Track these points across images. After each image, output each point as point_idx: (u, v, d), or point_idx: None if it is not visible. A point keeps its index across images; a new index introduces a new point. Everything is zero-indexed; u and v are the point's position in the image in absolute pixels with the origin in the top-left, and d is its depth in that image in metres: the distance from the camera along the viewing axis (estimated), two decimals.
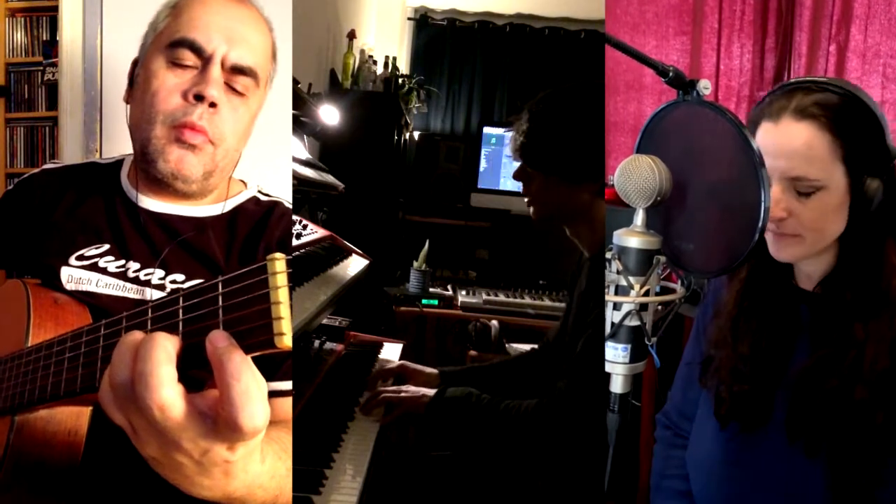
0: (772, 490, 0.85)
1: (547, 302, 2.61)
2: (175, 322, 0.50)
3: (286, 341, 0.44)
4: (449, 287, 2.70)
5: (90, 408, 0.72)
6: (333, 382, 1.34)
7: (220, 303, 0.47)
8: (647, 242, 0.66)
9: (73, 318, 0.82)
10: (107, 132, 1.63)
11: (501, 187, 3.62)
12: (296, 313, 0.98)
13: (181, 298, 0.50)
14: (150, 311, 0.52)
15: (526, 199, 1.26)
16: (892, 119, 1.81)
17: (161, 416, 0.46)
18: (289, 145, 1.51)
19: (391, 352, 1.62)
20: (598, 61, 3.31)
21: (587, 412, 1.05)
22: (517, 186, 1.30)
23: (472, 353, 2.17)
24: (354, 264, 1.57)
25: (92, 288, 0.88)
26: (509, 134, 1.27)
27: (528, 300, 2.60)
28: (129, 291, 0.88)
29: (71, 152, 1.65)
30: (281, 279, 0.45)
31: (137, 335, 0.49)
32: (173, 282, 0.89)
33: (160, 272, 0.89)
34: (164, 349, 0.46)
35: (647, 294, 0.65)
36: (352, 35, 2.92)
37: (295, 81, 1.65)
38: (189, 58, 0.87)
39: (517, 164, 1.26)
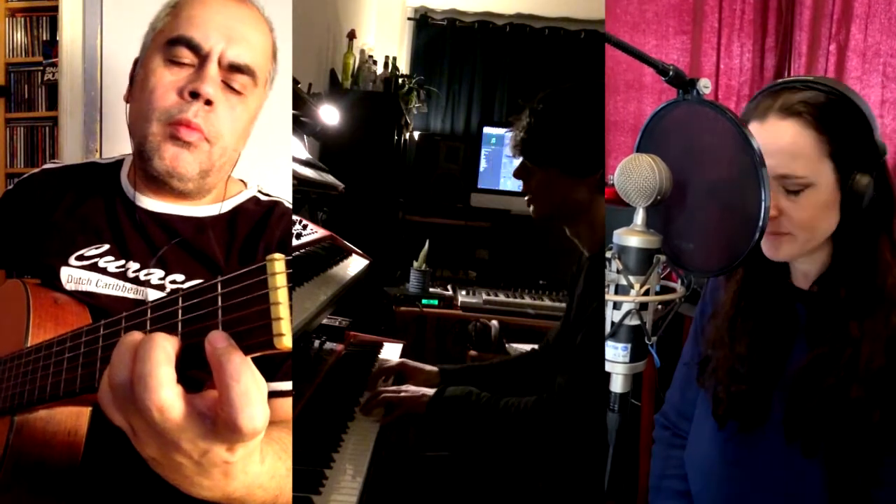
0: (770, 490, 0.85)
1: (547, 302, 2.61)
2: (174, 322, 0.49)
3: (286, 342, 0.44)
4: (449, 287, 2.70)
5: (90, 408, 0.71)
6: (333, 382, 1.34)
7: (220, 303, 0.47)
8: (647, 241, 0.66)
9: (72, 318, 0.82)
10: (107, 132, 1.63)
11: (501, 187, 3.62)
12: (296, 313, 0.98)
13: (180, 299, 0.50)
14: (149, 311, 0.52)
15: (526, 198, 1.27)
16: (892, 118, 1.82)
17: (160, 416, 0.46)
18: (289, 145, 1.51)
19: (391, 352, 1.62)
20: (598, 61, 3.31)
21: (586, 408, 1.05)
22: (517, 186, 1.30)
23: (472, 353, 2.17)
24: (354, 264, 1.57)
25: (92, 288, 0.87)
26: (510, 134, 1.27)
27: (528, 300, 2.60)
28: (129, 291, 0.88)
29: (71, 152, 1.65)
30: (280, 279, 0.44)
31: (137, 336, 0.48)
32: (173, 282, 0.89)
33: (160, 272, 0.89)
34: (164, 350, 0.46)
35: (647, 293, 0.65)
36: (352, 35, 2.92)
37: (295, 81, 1.65)
38: (186, 55, 0.87)
39: (517, 163, 1.27)
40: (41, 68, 2.55)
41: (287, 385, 0.86)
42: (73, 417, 0.71)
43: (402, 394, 1.23)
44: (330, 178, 2.00)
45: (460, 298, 2.55)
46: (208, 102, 0.86)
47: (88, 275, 0.88)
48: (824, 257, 0.84)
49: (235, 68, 0.88)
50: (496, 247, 3.52)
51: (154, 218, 0.92)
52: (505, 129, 3.55)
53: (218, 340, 0.46)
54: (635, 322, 0.66)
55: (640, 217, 0.67)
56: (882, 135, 1.87)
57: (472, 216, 3.58)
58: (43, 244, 0.92)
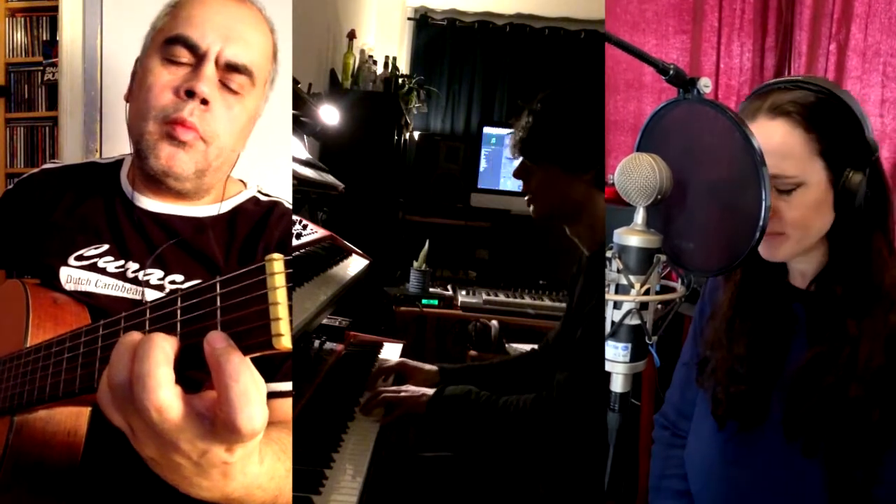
0: (770, 489, 0.85)
1: (547, 302, 2.61)
2: (173, 323, 0.49)
3: (284, 342, 0.44)
4: (449, 287, 2.70)
5: (89, 408, 0.71)
6: (333, 382, 1.34)
7: (219, 303, 0.47)
8: (647, 241, 0.65)
9: (71, 318, 0.82)
10: (107, 132, 1.63)
11: (501, 187, 3.62)
12: (296, 313, 0.98)
13: (179, 299, 0.50)
14: (148, 311, 0.52)
15: (526, 198, 1.27)
16: (893, 118, 1.81)
17: (159, 417, 0.46)
18: (289, 145, 1.51)
19: (391, 352, 1.62)
20: (598, 61, 3.31)
21: (585, 405, 1.05)
22: (517, 186, 1.31)
23: (472, 353, 2.17)
24: (354, 264, 1.57)
25: (91, 288, 0.87)
26: (510, 136, 1.28)
27: (528, 300, 2.60)
28: (128, 292, 0.88)
29: (71, 152, 1.64)
30: (279, 280, 0.44)
31: (136, 336, 0.48)
32: (172, 282, 0.89)
33: (159, 272, 0.89)
34: (162, 350, 0.46)
35: (647, 293, 0.65)
36: (352, 35, 2.92)
37: (295, 81, 1.64)
38: (184, 55, 0.87)
39: (517, 164, 1.27)
40: (41, 68, 2.55)
41: (287, 385, 0.86)
42: (73, 418, 0.71)
43: (402, 394, 1.23)
44: (330, 178, 2.00)
45: (460, 298, 2.55)
46: (204, 102, 0.86)
47: (88, 275, 0.88)
48: (821, 256, 0.84)
49: (233, 68, 0.88)
50: (496, 247, 3.52)
51: (153, 218, 0.92)
52: (505, 130, 3.58)
53: (217, 341, 0.45)
54: (635, 321, 0.65)
55: (640, 216, 0.67)
56: (882, 135, 1.88)
57: (472, 216, 3.58)
58: (42, 244, 0.92)
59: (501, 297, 2.59)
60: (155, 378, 0.45)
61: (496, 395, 1.18)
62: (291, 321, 0.45)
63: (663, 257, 0.66)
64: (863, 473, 0.78)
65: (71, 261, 0.89)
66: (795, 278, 0.88)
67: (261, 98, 0.96)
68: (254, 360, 0.47)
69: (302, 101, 1.91)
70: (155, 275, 0.89)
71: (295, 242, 1.36)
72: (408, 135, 3.46)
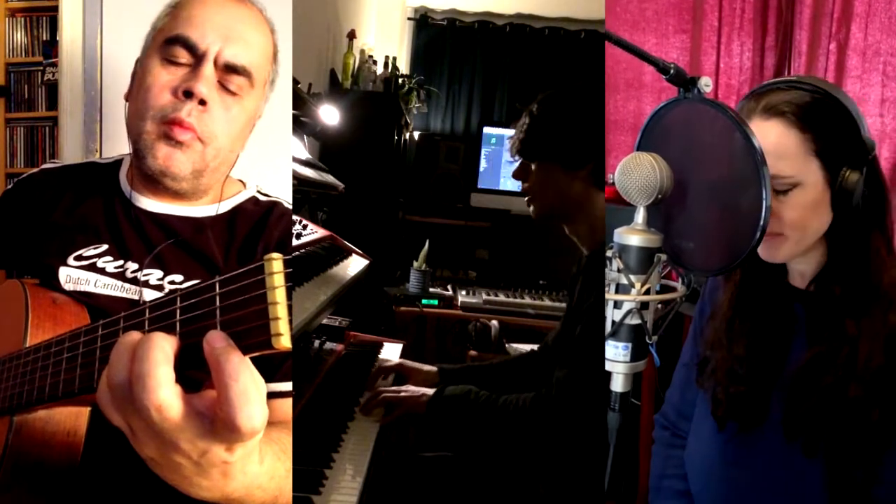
0: (770, 490, 0.85)
1: (547, 302, 2.61)
2: (172, 322, 0.49)
3: (284, 342, 0.44)
4: (449, 287, 2.70)
5: (89, 408, 0.71)
6: (333, 382, 1.33)
7: (218, 303, 0.47)
8: (647, 240, 0.65)
9: (71, 318, 0.81)
10: (107, 132, 1.63)
11: (501, 187, 3.62)
12: (296, 313, 0.98)
13: (178, 299, 0.50)
14: (147, 311, 0.52)
15: (526, 199, 1.27)
16: (893, 117, 1.81)
17: (159, 416, 0.46)
18: (289, 145, 1.51)
19: (391, 352, 1.62)
20: (598, 61, 3.31)
21: (584, 402, 1.05)
22: (517, 186, 1.32)
23: (472, 353, 2.17)
24: (354, 264, 1.57)
25: (90, 288, 0.87)
26: (510, 139, 1.29)
27: (528, 300, 2.60)
28: (128, 292, 0.88)
29: (71, 152, 1.64)
30: (278, 279, 0.44)
31: (135, 336, 0.48)
32: (172, 282, 0.88)
33: (158, 272, 0.89)
34: (162, 350, 0.46)
35: (647, 292, 0.65)
36: (352, 35, 2.91)
37: (295, 81, 1.64)
38: (183, 55, 0.87)
39: (517, 165, 1.28)
40: (41, 68, 2.55)
41: (286, 386, 0.85)
42: (73, 418, 0.71)
43: (402, 394, 1.23)
44: (330, 178, 2.00)
45: (460, 298, 2.54)
46: (202, 102, 0.86)
47: (87, 275, 0.88)
48: (820, 256, 0.84)
49: (231, 69, 0.88)
50: (496, 247, 3.52)
51: (152, 218, 0.92)
52: (505, 130, 3.58)
53: (216, 340, 0.45)
54: (636, 321, 0.65)
55: (640, 216, 0.67)
56: (882, 134, 1.87)
57: (472, 216, 3.58)
58: (42, 244, 0.91)
59: (501, 297, 2.59)
60: (155, 377, 0.45)
61: (496, 394, 1.18)
62: (291, 321, 0.45)
63: (664, 257, 0.66)
64: (863, 473, 0.78)
65: (70, 261, 0.89)
66: (795, 278, 0.88)
67: (260, 99, 0.96)
68: (253, 360, 0.47)
69: (302, 101, 1.91)
70: (154, 275, 0.89)
71: (295, 242, 1.36)
72: (408, 135, 3.46)
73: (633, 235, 0.66)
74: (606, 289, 0.66)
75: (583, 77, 1.29)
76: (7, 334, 0.80)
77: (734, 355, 0.88)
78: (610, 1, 2.20)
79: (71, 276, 0.88)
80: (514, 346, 2.07)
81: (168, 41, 0.87)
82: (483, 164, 3.64)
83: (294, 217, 1.26)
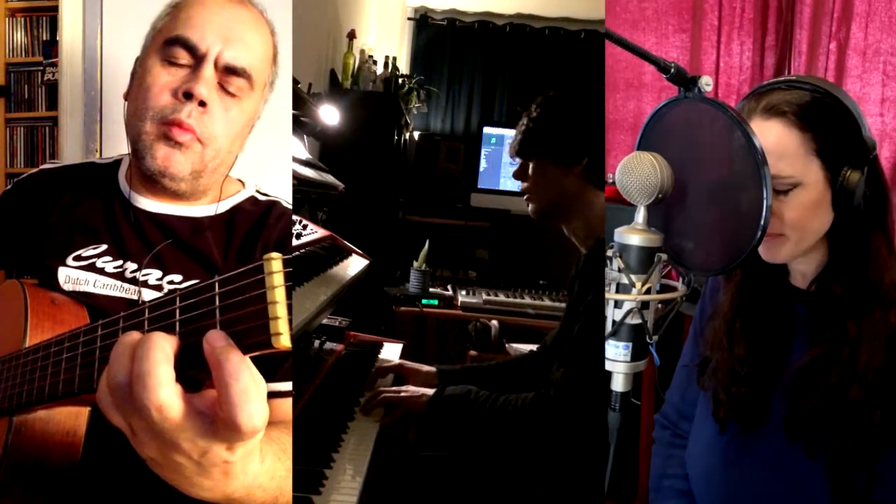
0: (771, 491, 0.85)
1: (547, 302, 2.60)
2: (172, 322, 0.49)
3: (283, 341, 0.44)
4: (449, 287, 2.70)
5: (88, 408, 0.71)
6: (333, 382, 1.33)
7: (217, 303, 0.47)
8: (648, 240, 0.65)
9: (70, 318, 0.81)
10: (107, 132, 1.63)
11: (501, 187, 3.62)
12: (296, 313, 0.97)
13: (178, 298, 0.50)
14: (146, 311, 0.52)
15: (525, 197, 1.28)
16: (893, 116, 1.81)
17: (159, 416, 0.45)
18: (289, 145, 1.51)
19: (391, 352, 1.62)
20: (598, 61, 3.31)
21: (584, 402, 1.05)
22: (517, 186, 1.33)
23: (472, 353, 2.17)
24: (354, 264, 1.57)
25: (89, 288, 0.87)
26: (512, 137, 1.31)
27: (528, 300, 2.60)
28: (127, 292, 0.88)
29: (71, 152, 1.64)
30: (277, 279, 0.44)
31: (135, 335, 0.48)
32: (171, 282, 0.88)
33: (157, 272, 0.89)
34: (162, 349, 0.46)
35: (648, 292, 0.65)
36: (352, 35, 2.91)
37: (295, 81, 1.64)
38: (183, 56, 0.87)
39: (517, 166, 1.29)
40: (41, 68, 2.55)
41: (287, 385, 0.85)
42: (72, 418, 0.71)
43: (402, 394, 1.22)
44: (330, 178, 2.00)
45: (460, 298, 2.54)
46: (202, 104, 0.86)
47: (86, 275, 0.88)
48: (821, 257, 0.84)
49: (231, 70, 0.88)
50: (496, 247, 3.52)
51: (151, 218, 0.92)
52: (505, 130, 3.58)
53: (216, 339, 0.45)
54: (636, 321, 0.65)
55: (641, 215, 0.67)
56: (882, 133, 1.87)
57: (472, 216, 3.58)
58: (41, 245, 0.91)
59: (501, 297, 2.59)
60: (155, 377, 0.45)
61: (496, 394, 1.18)
62: (291, 320, 0.45)
63: (664, 256, 0.65)
64: (863, 474, 0.78)
65: (69, 261, 0.89)
66: (796, 279, 0.88)
67: (259, 100, 0.96)
68: (253, 360, 0.47)
69: (302, 101, 1.91)
70: (153, 275, 0.89)
71: (295, 242, 1.36)
72: (408, 135, 3.46)
73: (633, 235, 0.66)
74: (607, 288, 0.66)
75: (583, 77, 1.30)
76: (6, 334, 0.80)
77: (735, 356, 0.87)
78: (610, 0, 2.20)
79: (70, 277, 0.88)
80: (514, 346, 2.07)
81: (168, 42, 0.87)
82: (483, 164, 3.64)
83: (294, 217, 1.26)
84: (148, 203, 0.93)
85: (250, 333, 0.45)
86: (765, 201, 0.64)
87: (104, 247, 0.90)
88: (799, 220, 0.79)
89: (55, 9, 1.71)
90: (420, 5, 4.12)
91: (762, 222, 0.65)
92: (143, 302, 0.54)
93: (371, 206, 2.73)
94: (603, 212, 1.22)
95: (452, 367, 1.43)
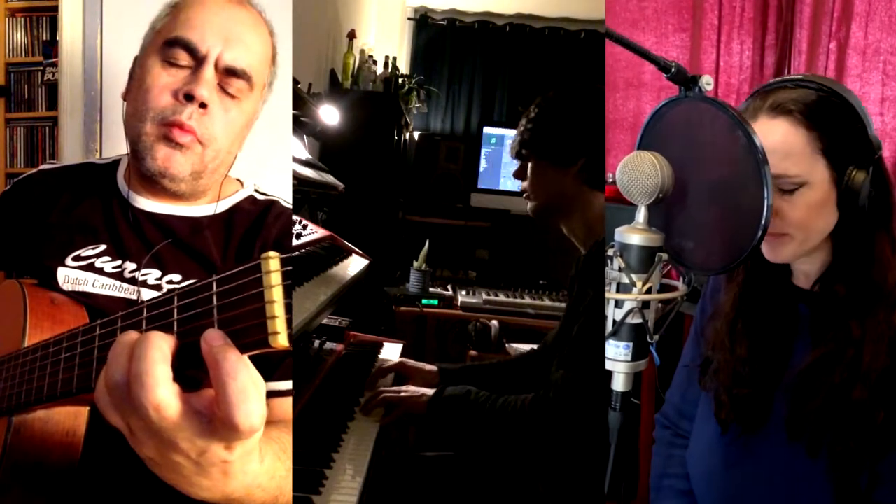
0: (773, 492, 0.84)
1: (547, 302, 2.60)
2: (170, 322, 0.49)
3: (280, 340, 0.44)
4: (449, 287, 2.70)
5: (88, 408, 0.71)
6: (333, 382, 1.33)
7: (215, 302, 0.47)
8: (649, 240, 0.65)
9: (70, 318, 0.81)
10: (107, 132, 1.63)
11: (501, 187, 3.62)
12: (296, 313, 0.97)
13: (176, 298, 0.50)
14: (145, 310, 0.52)
15: (524, 196, 1.29)
16: (893, 116, 1.81)
17: (157, 415, 0.45)
18: (289, 145, 1.50)
19: (391, 352, 1.62)
20: (598, 61, 3.31)
21: (583, 404, 1.05)
22: (517, 186, 1.34)
23: (472, 353, 2.17)
24: (354, 264, 1.57)
25: (88, 289, 0.87)
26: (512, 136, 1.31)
27: (528, 300, 2.59)
28: (126, 292, 0.88)
29: (71, 152, 1.64)
30: (275, 278, 0.44)
31: (133, 335, 0.48)
32: (170, 282, 0.88)
33: (156, 272, 0.89)
34: (160, 348, 0.46)
35: (649, 291, 0.65)
36: (352, 35, 2.91)
37: (295, 81, 1.64)
38: (183, 57, 0.87)
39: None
40: (41, 68, 2.55)
41: (286, 385, 0.85)
42: (72, 418, 0.71)
43: (402, 394, 1.22)
44: (330, 178, 2.00)
45: (460, 298, 2.54)
46: (203, 105, 0.86)
47: (85, 275, 0.88)
48: (825, 257, 0.84)
49: (231, 72, 0.88)
50: (496, 247, 3.52)
51: (150, 218, 0.92)
52: (505, 130, 3.58)
53: (214, 339, 0.45)
54: (637, 320, 0.65)
55: (641, 215, 0.66)
56: (882, 133, 1.87)
57: (472, 216, 3.58)
58: (40, 245, 0.91)
59: (501, 297, 2.59)
60: (152, 376, 0.45)
61: (496, 395, 1.18)
62: (290, 319, 0.44)
63: (665, 256, 0.65)
64: (866, 475, 0.78)
65: (68, 261, 0.89)
66: (799, 279, 0.87)
67: (258, 101, 0.96)
68: (253, 359, 0.46)
69: (302, 101, 1.91)
70: (152, 275, 0.88)
71: (295, 242, 1.36)
72: (408, 135, 3.46)
73: (634, 234, 0.65)
74: (607, 288, 0.66)
75: (583, 77, 1.30)
76: (6, 335, 0.80)
77: (737, 356, 0.87)
78: (609, 0, 2.20)
79: (69, 277, 0.88)
80: (514, 346, 2.07)
81: (168, 43, 0.87)
82: (483, 164, 3.64)
83: (294, 217, 1.26)
84: (147, 203, 0.93)
85: (248, 332, 0.45)
86: (765, 200, 0.64)
87: (103, 247, 0.90)
88: (804, 219, 0.79)
89: (55, 9, 1.71)
90: (420, 5, 4.12)
91: (763, 222, 0.64)
92: (142, 302, 0.54)
93: (371, 206, 2.73)
94: (602, 212, 1.22)
95: (454, 366, 1.43)
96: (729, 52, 2.06)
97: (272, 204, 0.99)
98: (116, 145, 1.59)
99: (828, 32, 1.85)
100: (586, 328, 1.11)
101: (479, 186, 3.64)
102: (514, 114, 1.34)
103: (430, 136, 3.90)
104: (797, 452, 0.81)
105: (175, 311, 0.49)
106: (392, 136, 2.88)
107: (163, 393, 0.45)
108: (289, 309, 0.44)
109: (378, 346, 1.63)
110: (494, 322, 2.29)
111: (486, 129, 3.68)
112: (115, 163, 1.01)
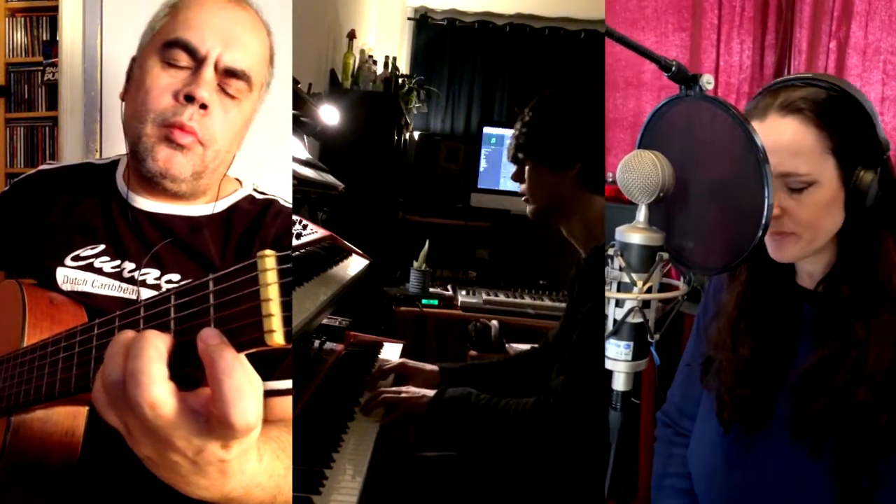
0: (775, 492, 0.84)
1: (547, 302, 2.60)
2: (167, 321, 0.49)
3: (276, 338, 0.44)
4: (449, 287, 2.70)
5: (87, 408, 0.71)
6: (333, 382, 1.33)
7: (212, 301, 0.47)
8: (649, 239, 0.65)
9: (69, 318, 0.81)
10: (107, 132, 1.63)
11: (501, 187, 3.61)
12: (296, 313, 0.97)
13: (173, 297, 0.50)
14: (142, 310, 0.52)
15: (523, 199, 1.29)
16: (893, 115, 1.81)
17: (152, 414, 0.45)
18: (289, 145, 1.50)
19: (391, 352, 1.62)
20: (598, 61, 3.31)
21: (584, 409, 1.05)
22: (517, 187, 1.33)
23: (472, 353, 2.17)
24: (354, 264, 1.57)
25: (87, 288, 0.87)
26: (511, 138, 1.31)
27: (528, 300, 2.59)
28: (125, 292, 0.88)
29: (71, 152, 1.64)
30: (271, 276, 0.44)
31: (129, 334, 0.48)
32: (169, 282, 0.88)
33: (155, 272, 0.89)
34: (156, 347, 0.46)
35: (649, 291, 0.64)
36: (352, 35, 2.91)
37: (295, 81, 1.64)
38: (183, 58, 0.87)
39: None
40: (41, 68, 2.55)
41: (285, 384, 0.85)
42: (70, 418, 0.71)
43: (403, 394, 1.22)
44: (330, 178, 2.00)
45: (460, 298, 2.54)
46: (203, 106, 0.86)
47: (84, 275, 0.88)
48: (829, 257, 0.83)
49: (231, 73, 0.88)
50: (496, 247, 3.51)
51: (149, 218, 0.92)
52: (505, 130, 3.58)
53: (210, 337, 0.45)
54: (638, 320, 0.65)
55: (642, 214, 0.66)
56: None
57: (472, 216, 3.58)
58: (39, 245, 0.91)
59: (501, 297, 2.59)
60: (148, 374, 0.45)
61: (496, 397, 1.18)
62: (289, 317, 0.44)
63: (666, 255, 0.65)
64: (868, 477, 0.78)
65: (67, 261, 0.89)
66: (803, 278, 0.87)
67: (257, 101, 0.96)
68: (252, 359, 0.46)
69: (302, 101, 1.91)
70: (151, 274, 0.88)
71: (295, 242, 1.36)
72: (408, 135, 3.46)
73: (634, 234, 0.65)
74: (608, 287, 0.66)
75: (582, 77, 1.30)
76: (5, 334, 0.80)
77: (739, 356, 0.86)
78: (609, 0, 2.20)
79: (68, 277, 0.88)
80: (514, 346, 2.06)
81: (167, 44, 0.87)
82: (483, 164, 3.64)
83: (294, 217, 1.26)
84: (146, 203, 0.93)
85: (244, 331, 0.45)
86: (766, 200, 0.64)
87: (102, 247, 0.90)
88: (812, 219, 0.78)
89: (55, 9, 1.71)
90: (420, 5, 4.12)
91: (763, 221, 0.64)
92: (140, 301, 0.54)
93: (371, 206, 2.73)
94: (601, 214, 1.21)
95: (455, 365, 1.43)
96: (729, 51, 2.06)
97: (271, 203, 0.99)
98: (116, 145, 1.59)
99: (828, 32, 1.85)
100: (586, 335, 1.11)
101: (479, 186, 3.64)
102: (514, 114, 1.33)
103: (430, 136, 3.90)
104: (800, 453, 0.80)
105: (172, 309, 0.49)
106: (392, 136, 2.88)
107: (158, 391, 0.45)
108: (287, 307, 0.44)
109: (378, 346, 1.63)
110: (494, 322, 2.29)
111: (486, 129, 3.68)
112: (114, 163, 1.01)
